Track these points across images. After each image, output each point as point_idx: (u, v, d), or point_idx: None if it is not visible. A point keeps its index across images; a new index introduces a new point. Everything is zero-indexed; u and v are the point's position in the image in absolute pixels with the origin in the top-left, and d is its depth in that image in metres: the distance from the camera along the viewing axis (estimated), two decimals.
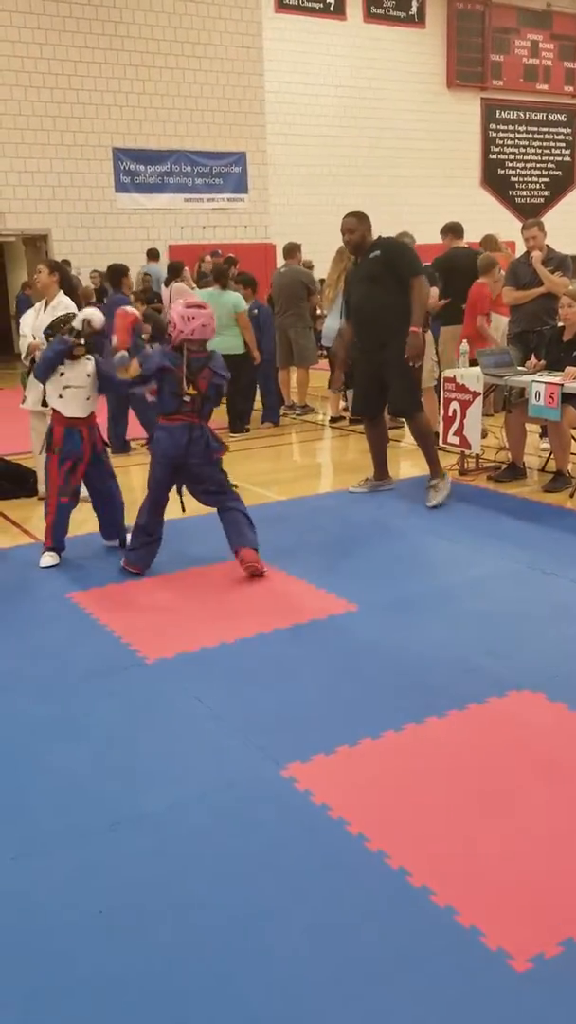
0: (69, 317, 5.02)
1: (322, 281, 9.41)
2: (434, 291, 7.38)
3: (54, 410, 5.02)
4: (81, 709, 3.46)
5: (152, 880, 2.49)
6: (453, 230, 8.40)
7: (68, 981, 2.14)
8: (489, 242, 9.21)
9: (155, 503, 4.81)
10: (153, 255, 14.32)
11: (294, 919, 2.32)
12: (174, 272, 11.29)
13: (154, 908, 2.38)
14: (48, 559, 5.05)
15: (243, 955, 2.20)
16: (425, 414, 6.20)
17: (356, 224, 5.97)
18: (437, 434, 7.53)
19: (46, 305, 6.30)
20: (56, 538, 5.08)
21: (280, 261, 10.52)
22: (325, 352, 9.52)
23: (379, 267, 5.81)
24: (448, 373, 6.97)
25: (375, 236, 6.07)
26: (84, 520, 6.26)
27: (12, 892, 2.46)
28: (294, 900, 2.39)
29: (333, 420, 9.26)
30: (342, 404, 9.26)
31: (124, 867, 2.55)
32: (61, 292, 6.44)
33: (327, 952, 2.21)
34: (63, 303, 6.39)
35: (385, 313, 5.78)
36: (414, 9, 18.25)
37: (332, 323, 9.01)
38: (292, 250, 9.65)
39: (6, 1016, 2.06)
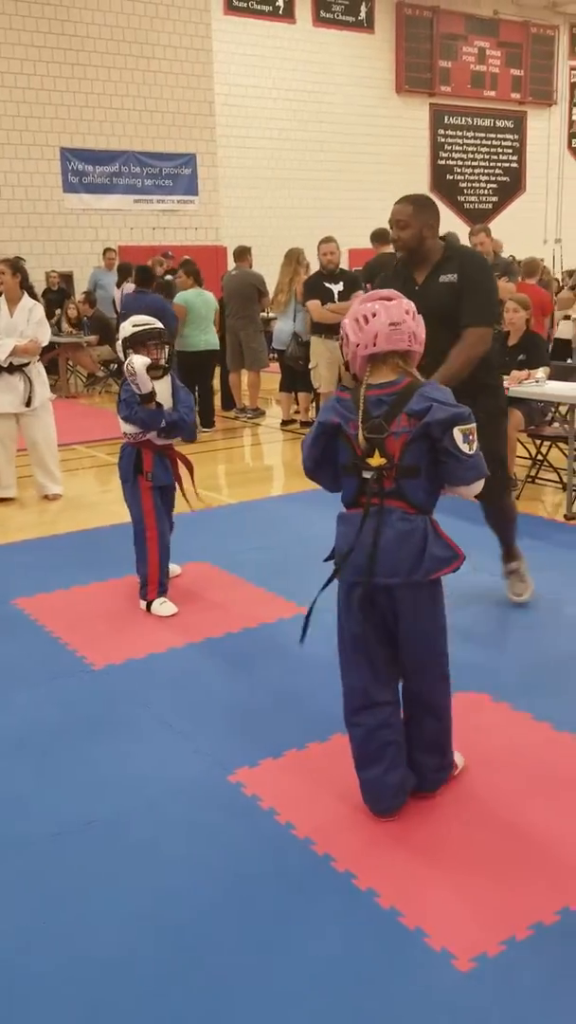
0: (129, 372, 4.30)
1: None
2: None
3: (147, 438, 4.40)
4: (25, 717, 3.42)
5: (95, 889, 2.47)
6: (380, 236, 8.48)
7: (13, 986, 2.12)
8: None
9: None
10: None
11: (239, 924, 2.32)
12: (125, 274, 11.22)
13: (96, 917, 2.36)
14: (166, 607, 4.39)
15: (183, 962, 2.20)
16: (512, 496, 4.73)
17: (412, 216, 3.90)
18: None
19: (12, 308, 6.24)
20: (164, 578, 4.43)
21: (231, 264, 10.52)
22: (276, 355, 9.54)
23: (453, 298, 3.90)
24: None
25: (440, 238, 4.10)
26: (33, 523, 6.19)
27: None
28: (240, 905, 2.39)
29: (284, 423, 9.27)
30: (293, 408, 9.29)
31: (67, 876, 2.52)
32: (26, 294, 6.41)
33: (270, 955, 2.21)
34: (28, 305, 6.34)
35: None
36: (363, 14, 18.36)
37: (284, 326, 9.04)
38: (243, 253, 9.66)
39: None
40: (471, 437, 2.52)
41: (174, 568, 4.72)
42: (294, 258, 8.80)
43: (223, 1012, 2.06)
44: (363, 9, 18.32)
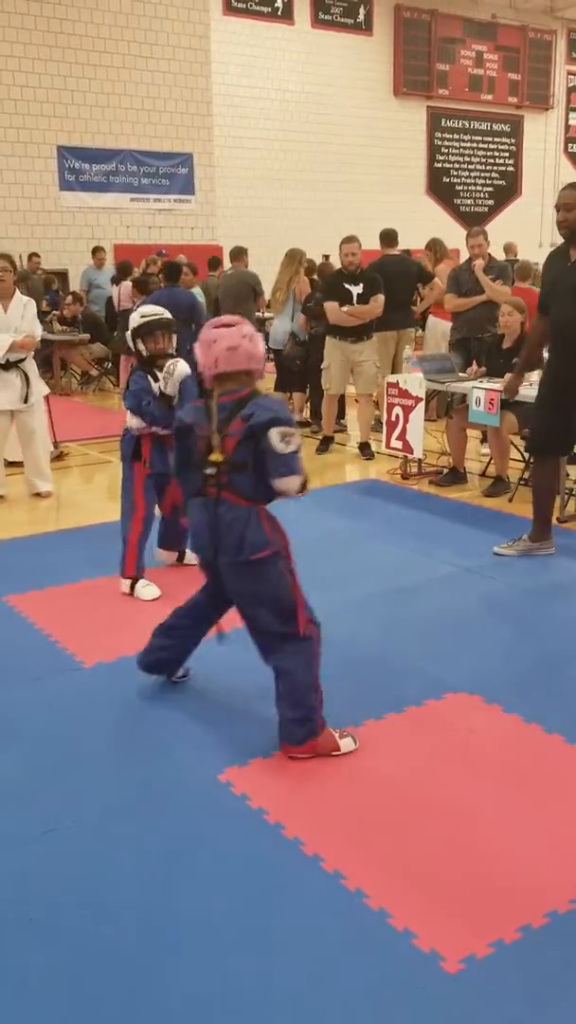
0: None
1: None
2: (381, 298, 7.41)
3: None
4: (15, 714, 3.40)
5: (85, 887, 2.45)
6: (384, 238, 8.48)
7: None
8: (437, 247, 9.30)
9: None
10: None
11: (226, 922, 2.31)
12: (125, 272, 11.21)
13: (85, 915, 2.34)
14: (150, 590, 4.51)
15: (171, 958, 2.18)
16: None
17: None
18: (366, 445, 7.58)
19: (6, 303, 6.21)
20: (141, 561, 4.58)
21: (227, 264, 10.51)
22: (272, 354, 9.52)
23: None
24: (391, 378, 7.02)
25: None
26: (24, 521, 6.17)
27: None
28: (227, 903, 2.37)
29: None
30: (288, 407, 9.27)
31: (57, 874, 2.51)
32: (17, 291, 6.41)
33: (257, 953, 2.20)
34: (22, 300, 6.33)
35: None
36: (361, 16, 18.38)
37: (281, 326, 9.02)
38: (239, 253, 9.66)
39: None
40: (288, 439, 2.86)
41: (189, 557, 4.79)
42: (295, 258, 8.77)
43: (212, 1010, 2.04)
44: (361, 11, 18.34)
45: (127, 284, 10.89)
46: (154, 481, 4.59)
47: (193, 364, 3.36)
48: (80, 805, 2.82)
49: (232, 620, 3.31)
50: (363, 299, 7.32)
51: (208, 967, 2.17)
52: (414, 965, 2.16)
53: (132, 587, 4.52)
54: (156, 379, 4.48)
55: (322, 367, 7.75)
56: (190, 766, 3.02)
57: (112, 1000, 2.08)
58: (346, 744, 3.09)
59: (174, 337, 4.54)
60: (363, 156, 18.69)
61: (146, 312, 4.52)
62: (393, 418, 6.79)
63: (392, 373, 7.95)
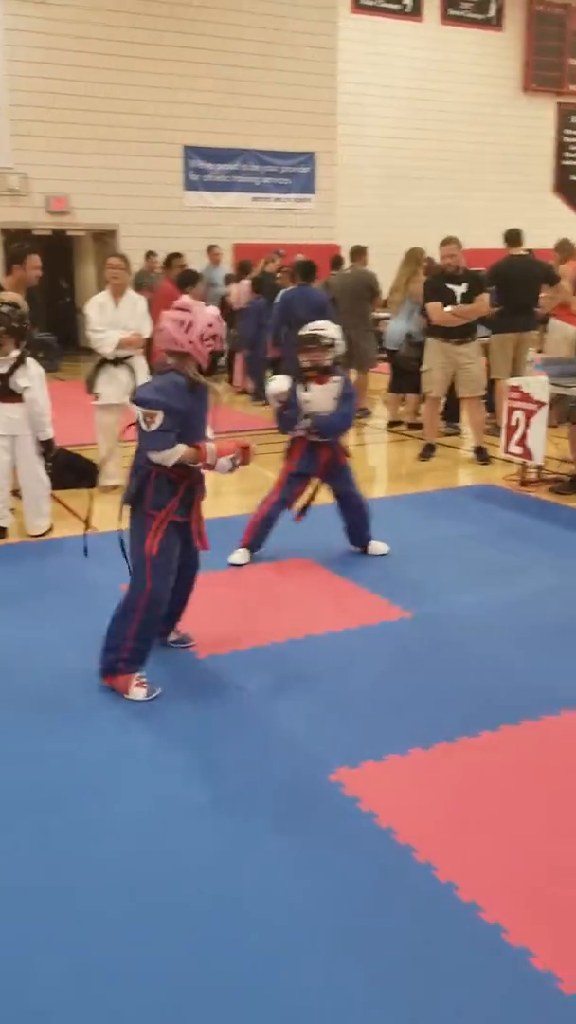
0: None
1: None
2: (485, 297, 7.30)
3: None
4: (131, 701, 3.48)
5: (190, 875, 2.49)
6: (510, 237, 8.29)
7: (119, 961, 2.16)
8: (565, 247, 9.05)
9: None
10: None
11: (334, 924, 2.30)
12: (244, 271, 11.36)
13: (189, 902, 2.38)
14: (239, 556, 5.00)
15: (280, 956, 2.19)
16: None
17: None
18: (481, 449, 7.44)
19: (118, 300, 6.40)
20: (254, 536, 5.03)
21: (346, 263, 10.50)
22: (387, 355, 9.47)
23: None
24: (513, 382, 6.88)
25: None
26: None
27: (59, 879, 2.48)
28: (335, 905, 2.37)
29: (391, 424, 9.20)
30: (400, 408, 9.20)
31: (168, 860, 2.56)
32: (129, 289, 6.58)
33: (366, 960, 2.18)
34: (132, 298, 6.51)
35: None
36: (493, 11, 18.03)
37: (397, 326, 8.97)
38: (358, 253, 9.61)
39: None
40: (149, 420, 3.35)
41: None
42: (414, 258, 8.69)
43: (321, 1016, 2.04)
44: (493, 6, 18.00)
45: (245, 283, 11.02)
46: (295, 479, 5.03)
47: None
48: (190, 794, 2.87)
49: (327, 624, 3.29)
50: (467, 299, 7.19)
51: (312, 966, 2.17)
52: (529, 984, 2.11)
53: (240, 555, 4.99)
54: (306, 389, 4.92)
55: (422, 370, 7.64)
56: (301, 765, 3.03)
57: (224, 994, 2.10)
58: (135, 693, 3.48)
59: (326, 352, 4.85)
60: (488, 154, 18.34)
61: (306, 328, 4.96)
62: (513, 422, 6.64)
63: (513, 376, 7.78)
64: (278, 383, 5.04)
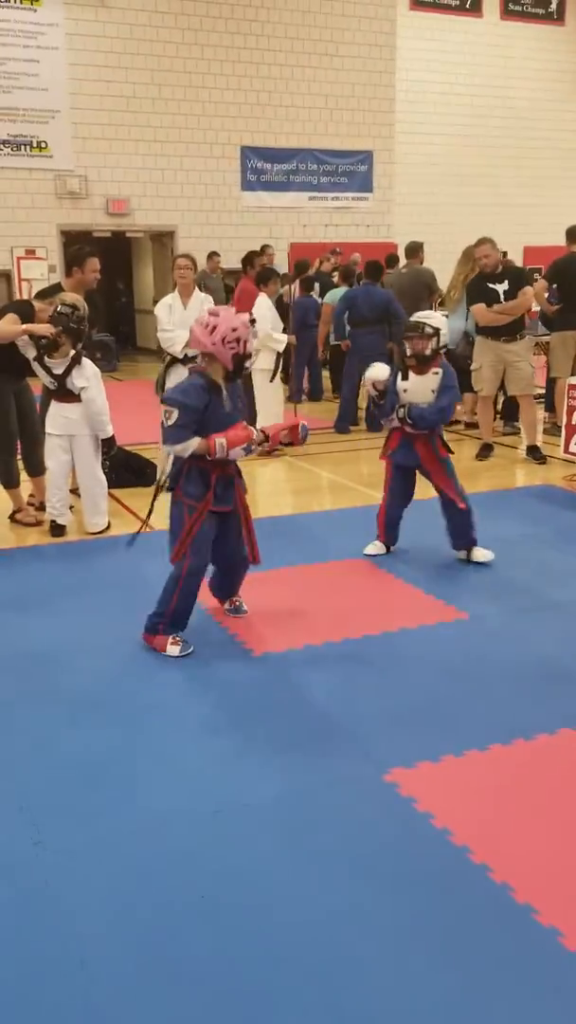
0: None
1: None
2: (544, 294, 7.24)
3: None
4: (186, 697, 3.52)
5: (249, 870, 2.52)
6: (571, 234, 8.16)
7: (169, 961, 2.19)
8: None
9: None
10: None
11: (388, 923, 2.31)
12: (301, 270, 11.38)
13: (249, 898, 2.40)
14: (371, 547, 5.14)
15: (332, 952, 2.20)
16: None
17: None
18: (535, 448, 7.34)
19: (186, 300, 6.49)
20: (386, 531, 5.13)
21: (401, 260, 10.44)
22: (444, 353, 9.41)
23: None
24: (573, 380, 6.78)
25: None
26: None
27: (120, 871, 2.53)
28: (390, 904, 2.37)
29: (448, 424, 9.12)
30: (457, 407, 9.12)
31: (224, 855, 2.59)
32: (197, 288, 6.66)
33: (419, 963, 2.18)
34: (200, 297, 6.59)
35: None
36: (553, 6, 17.79)
37: (454, 324, 8.90)
38: (415, 250, 9.55)
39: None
40: (168, 415, 3.70)
41: None
42: (471, 256, 8.62)
43: (385, 1011, 2.05)
44: (554, 1, 17.75)
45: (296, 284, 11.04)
46: (399, 472, 5.06)
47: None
48: (246, 790, 2.89)
49: (384, 624, 3.28)
50: (510, 295, 7.12)
51: (372, 969, 2.18)
52: None
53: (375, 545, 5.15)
54: (406, 378, 4.85)
55: (472, 368, 7.58)
56: (356, 764, 3.04)
57: (280, 985, 2.12)
58: (170, 650, 3.84)
59: (431, 341, 4.74)
60: (549, 150, 18.09)
61: (416, 315, 4.97)
62: (574, 422, 6.55)
63: (574, 375, 7.67)
64: (378, 370, 4.94)
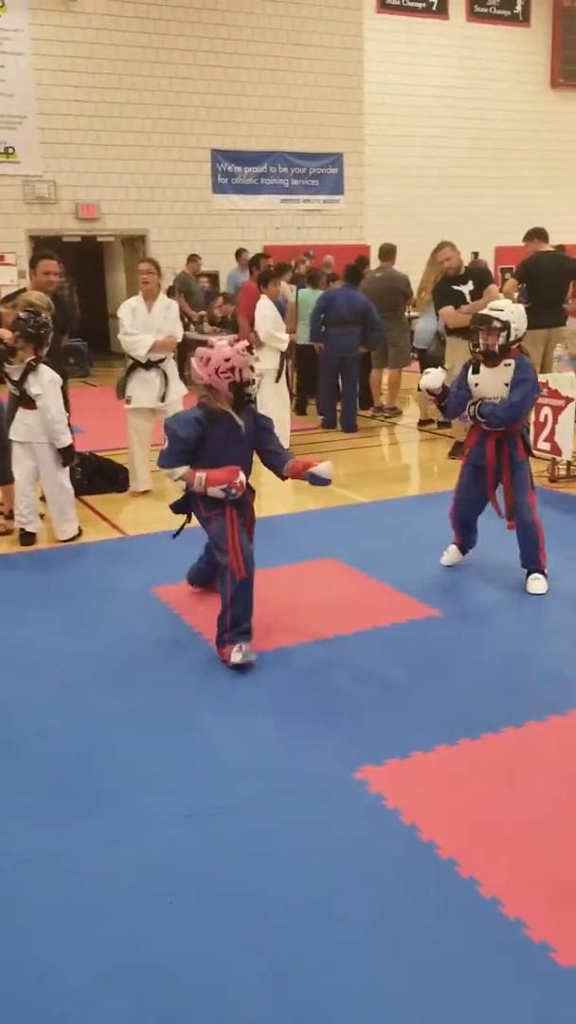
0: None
1: None
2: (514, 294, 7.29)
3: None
4: (158, 701, 3.52)
5: (220, 872, 2.52)
6: (538, 234, 8.23)
7: (142, 960, 2.19)
8: None
9: None
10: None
11: (357, 919, 2.32)
12: (282, 271, 11.39)
13: (219, 901, 2.41)
14: (445, 556, 4.95)
15: (303, 950, 2.21)
16: None
17: None
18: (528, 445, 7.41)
19: (151, 304, 6.48)
20: (460, 534, 4.91)
21: (374, 263, 10.48)
22: (416, 354, 9.48)
23: None
24: (540, 378, 6.83)
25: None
26: (168, 516, 6.36)
27: (89, 878, 2.52)
28: (359, 901, 2.38)
29: (421, 423, 9.18)
30: (430, 407, 9.18)
31: (195, 858, 2.59)
32: (162, 293, 6.66)
33: (389, 957, 2.19)
34: (165, 302, 6.58)
35: None
36: (519, 7, 17.92)
37: (426, 325, 8.97)
38: (389, 252, 9.58)
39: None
40: (164, 441, 3.95)
41: None
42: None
43: (352, 1006, 2.06)
44: (519, 2, 17.88)
45: (283, 285, 11.04)
46: (472, 471, 4.71)
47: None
48: (219, 793, 2.90)
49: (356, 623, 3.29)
50: (476, 295, 7.18)
51: (341, 963, 2.18)
52: (551, 979, 2.10)
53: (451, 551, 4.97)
54: (477, 371, 4.57)
55: (445, 368, 7.63)
56: (326, 762, 3.05)
57: (251, 985, 2.12)
58: (233, 657, 3.74)
59: (500, 335, 4.40)
60: (517, 151, 18.21)
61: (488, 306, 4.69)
62: (541, 419, 6.60)
63: (541, 372, 7.73)
64: (432, 378, 4.67)
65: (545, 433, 6.58)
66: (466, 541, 4.95)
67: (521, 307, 4.55)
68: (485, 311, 4.51)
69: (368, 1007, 2.06)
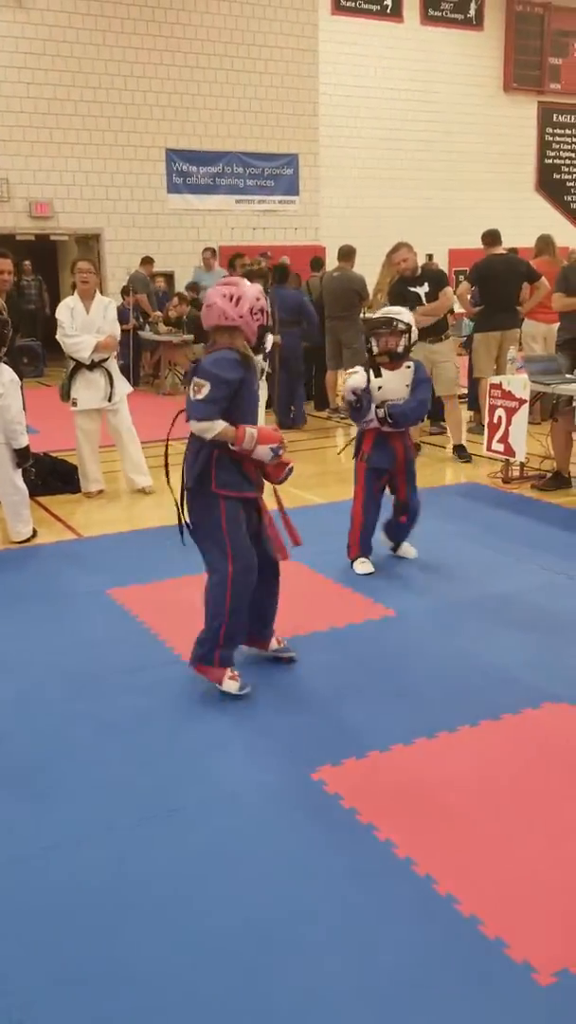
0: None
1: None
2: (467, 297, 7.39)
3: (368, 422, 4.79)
4: (113, 705, 3.50)
5: (177, 876, 2.51)
6: (490, 236, 8.34)
7: (102, 964, 2.17)
8: (545, 243, 9.09)
9: None
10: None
11: (317, 921, 2.32)
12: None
13: (177, 905, 2.40)
14: (361, 566, 4.86)
15: (265, 954, 2.21)
16: None
17: None
18: (461, 447, 7.51)
19: (88, 304, 6.43)
20: (363, 543, 4.88)
21: (331, 264, 10.52)
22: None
23: None
24: (494, 380, 6.91)
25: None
26: (121, 518, 6.31)
27: (45, 883, 2.50)
28: (318, 903, 2.39)
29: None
30: None
31: (152, 861, 2.57)
32: (99, 292, 6.62)
33: (348, 956, 2.21)
34: (103, 302, 6.54)
35: None
36: (472, 12, 18.11)
37: None
38: (348, 254, 9.59)
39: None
40: (197, 389, 3.31)
41: None
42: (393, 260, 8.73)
43: (311, 1007, 2.06)
44: (472, 6, 18.07)
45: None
46: (375, 474, 4.81)
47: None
48: (174, 796, 2.89)
49: (313, 624, 3.31)
50: (431, 297, 7.25)
51: (302, 964, 2.19)
52: (504, 976, 2.13)
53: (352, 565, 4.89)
54: (379, 375, 4.67)
55: None
56: (283, 763, 3.05)
57: (211, 989, 2.12)
58: (228, 685, 3.47)
59: (404, 337, 4.62)
60: (471, 153, 18.41)
61: (383, 310, 4.82)
62: (495, 420, 6.68)
63: (495, 374, 7.83)
64: (358, 379, 4.66)
65: (499, 434, 6.66)
66: (369, 548, 4.91)
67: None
68: (385, 314, 4.70)
69: (331, 1006, 2.06)
